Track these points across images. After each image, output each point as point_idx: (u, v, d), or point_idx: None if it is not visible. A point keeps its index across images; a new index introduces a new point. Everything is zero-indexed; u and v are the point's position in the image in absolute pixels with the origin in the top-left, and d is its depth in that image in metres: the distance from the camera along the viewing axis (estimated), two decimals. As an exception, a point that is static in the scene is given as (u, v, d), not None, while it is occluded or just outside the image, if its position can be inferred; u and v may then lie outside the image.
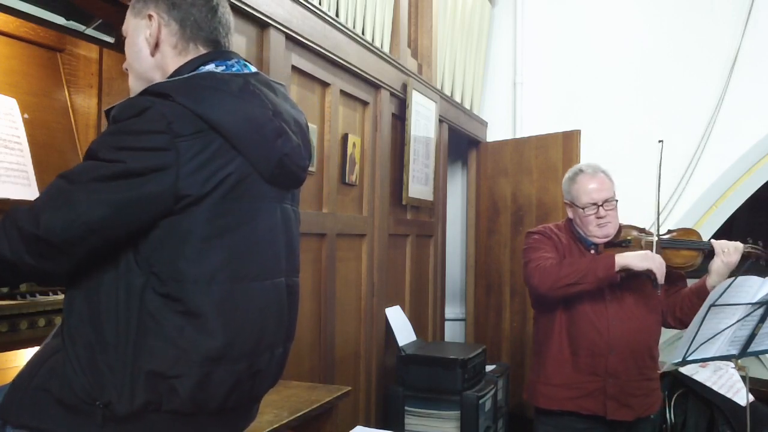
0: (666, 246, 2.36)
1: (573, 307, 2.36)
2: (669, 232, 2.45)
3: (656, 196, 2.37)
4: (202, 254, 1.20)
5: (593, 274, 2.24)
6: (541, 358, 2.45)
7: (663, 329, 2.50)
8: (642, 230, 2.46)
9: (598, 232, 2.38)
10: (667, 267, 2.34)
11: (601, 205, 2.35)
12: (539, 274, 2.30)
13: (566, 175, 2.50)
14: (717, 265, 2.30)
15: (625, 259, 2.23)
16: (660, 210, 2.39)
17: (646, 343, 2.38)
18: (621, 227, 2.45)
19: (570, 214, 2.47)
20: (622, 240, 2.40)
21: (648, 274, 2.24)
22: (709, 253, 2.34)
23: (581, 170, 2.44)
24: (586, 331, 2.33)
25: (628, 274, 2.33)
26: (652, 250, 2.30)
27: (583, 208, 2.37)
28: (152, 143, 1.17)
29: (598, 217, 2.36)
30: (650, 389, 2.41)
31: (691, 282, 2.48)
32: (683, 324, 2.39)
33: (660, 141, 2.38)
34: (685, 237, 2.40)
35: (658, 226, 2.36)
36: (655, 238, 2.34)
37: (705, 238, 2.43)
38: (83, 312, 1.21)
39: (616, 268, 2.22)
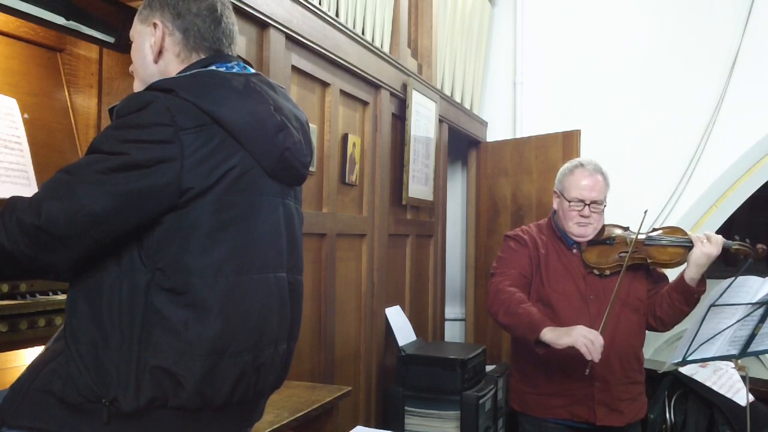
0: (650, 243, 2.32)
1: (552, 308, 2.30)
2: (654, 230, 2.41)
3: (631, 245, 2.31)
4: (208, 247, 1.22)
5: (521, 330, 2.19)
6: (527, 365, 2.37)
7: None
8: (626, 229, 2.43)
9: (576, 229, 2.34)
10: (654, 264, 2.33)
11: (588, 205, 2.32)
12: (491, 298, 2.30)
13: (565, 165, 2.46)
14: (696, 255, 2.21)
15: (547, 333, 2.09)
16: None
17: (631, 345, 2.33)
18: (604, 227, 2.42)
19: (555, 205, 2.43)
20: (606, 238, 2.37)
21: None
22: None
23: (581, 164, 2.40)
24: None
25: (612, 272, 2.30)
26: (631, 247, 2.27)
27: (569, 201, 2.34)
28: (156, 135, 1.18)
29: (582, 216, 2.33)
30: (637, 393, 2.36)
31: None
32: (664, 324, 2.34)
33: (645, 211, 2.34)
34: (671, 234, 2.35)
35: (630, 253, 2.30)
36: (635, 236, 2.30)
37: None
38: (86, 311, 1.21)
39: (537, 338, 2.11)
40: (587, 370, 2.10)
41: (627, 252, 2.29)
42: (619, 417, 2.28)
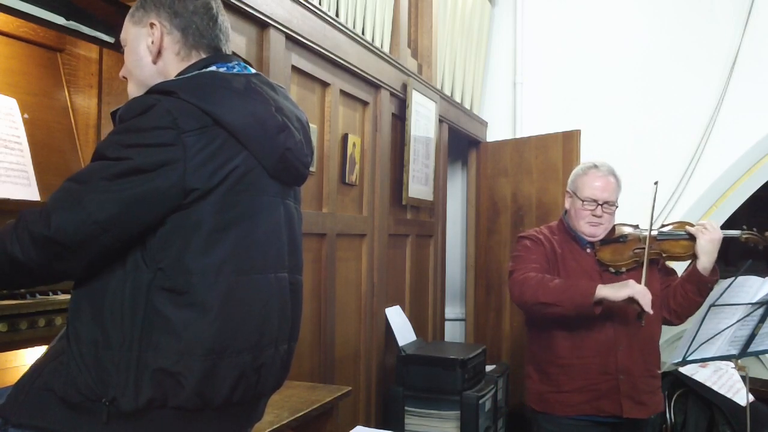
0: (663, 238, 2.38)
1: None
2: (663, 225, 2.45)
3: (648, 232, 2.35)
4: (209, 247, 1.22)
5: (570, 300, 2.17)
6: (546, 365, 2.39)
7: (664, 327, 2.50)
8: (635, 227, 2.47)
9: (587, 229, 2.38)
10: (669, 258, 2.39)
11: (601, 205, 2.36)
12: (519, 288, 2.27)
13: (579, 166, 2.51)
14: (702, 244, 2.29)
15: (603, 290, 2.14)
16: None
17: (649, 337, 2.36)
18: (614, 226, 2.45)
19: (567, 205, 2.48)
20: (619, 236, 2.41)
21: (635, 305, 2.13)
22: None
23: (595, 166, 2.44)
24: (589, 327, 2.27)
25: (628, 269, 2.33)
26: (646, 244, 2.31)
27: (582, 201, 2.38)
28: (159, 139, 1.19)
29: (594, 215, 2.37)
30: (656, 387, 2.40)
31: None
32: (678, 316, 2.39)
33: (655, 183, 2.39)
34: (680, 228, 2.41)
35: (648, 245, 2.32)
36: (648, 232, 2.34)
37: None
38: (89, 312, 1.22)
39: (594, 298, 2.14)
40: (643, 322, 2.16)
41: (642, 248, 2.33)
42: (643, 409, 2.31)
